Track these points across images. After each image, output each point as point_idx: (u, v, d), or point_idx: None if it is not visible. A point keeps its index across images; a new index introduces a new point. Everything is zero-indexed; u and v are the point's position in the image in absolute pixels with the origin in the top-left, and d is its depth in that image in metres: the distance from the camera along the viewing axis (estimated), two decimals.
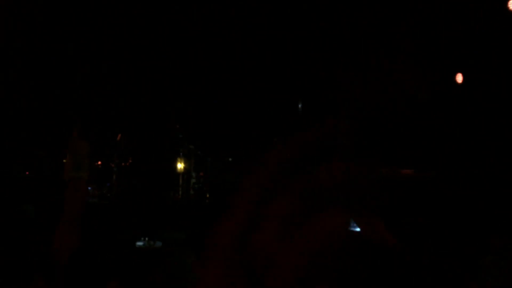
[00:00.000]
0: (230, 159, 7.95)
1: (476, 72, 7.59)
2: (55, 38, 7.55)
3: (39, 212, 6.61)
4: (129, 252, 5.86)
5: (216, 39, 7.86)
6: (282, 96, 8.20)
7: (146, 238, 6.49)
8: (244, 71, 8.09)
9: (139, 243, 6.44)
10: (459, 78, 7.72)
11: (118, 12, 7.57)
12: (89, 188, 7.98)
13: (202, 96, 8.14)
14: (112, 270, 2.28)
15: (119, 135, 8.02)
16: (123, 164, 7.94)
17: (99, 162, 8.14)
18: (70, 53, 7.61)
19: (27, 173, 7.63)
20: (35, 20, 7.31)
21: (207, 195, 7.89)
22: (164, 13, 7.66)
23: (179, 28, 7.76)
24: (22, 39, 7.37)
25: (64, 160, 8.06)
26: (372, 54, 7.66)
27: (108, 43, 7.70)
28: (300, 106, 8.06)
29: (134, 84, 8.08)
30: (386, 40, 7.69)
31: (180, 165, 7.97)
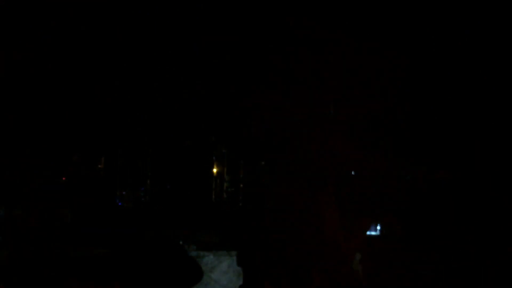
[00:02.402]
0: (263, 163, 7.97)
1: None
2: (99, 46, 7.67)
3: (76, 216, 6.70)
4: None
5: (254, 43, 7.90)
6: (313, 99, 8.19)
7: (181, 242, 6.52)
8: (275, 74, 8.11)
9: None
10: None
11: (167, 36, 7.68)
12: (123, 192, 8.06)
13: (233, 99, 8.18)
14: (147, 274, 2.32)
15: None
16: (157, 168, 8.02)
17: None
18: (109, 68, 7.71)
19: (63, 178, 7.74)
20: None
21: (240, 198, 7.92)
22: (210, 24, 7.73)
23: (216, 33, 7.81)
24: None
25: (99, 165, 8.16)
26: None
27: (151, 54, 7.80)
28: (332, 109, 8.05)
29: (166, 87, 8.15)
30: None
31: (212, 169, 8.01)
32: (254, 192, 7.82)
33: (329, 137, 7.90)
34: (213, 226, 6.92)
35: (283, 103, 8.15)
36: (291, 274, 2.35)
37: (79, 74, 7.74)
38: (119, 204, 7.87)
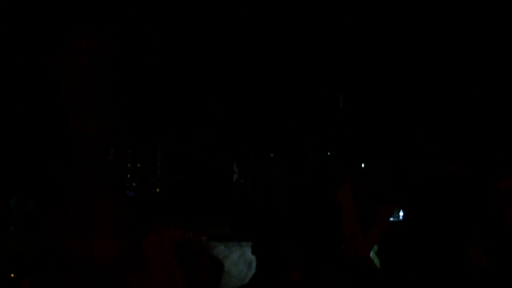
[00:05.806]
0: (272, 155, 8.01)
1: None
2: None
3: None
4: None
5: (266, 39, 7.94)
6: (321, 90, 8.23)
7: (191, 233, 6.58)
8: (283, 65, 8.15)
9: None
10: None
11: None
12: (134, 184, 8.12)
13: (242, 91, 8.22)
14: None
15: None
16: (167, 159, 8.08)
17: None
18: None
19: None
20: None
21: (250, 190, 7.97)
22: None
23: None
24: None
25: (108, 157, 8.20)
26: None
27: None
28: (340, 101, 8.09)
29: (178, 81, 8.20)
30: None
31: (223, 161, 8.06)
32: (264, 184, 7.87)
33: (338, 128, 7.95)
34: (223, 217, 6.98)
35: (292, 97, 8.19)
36: (306, 266, 2.39)
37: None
38: (130, 195, 7.94)
